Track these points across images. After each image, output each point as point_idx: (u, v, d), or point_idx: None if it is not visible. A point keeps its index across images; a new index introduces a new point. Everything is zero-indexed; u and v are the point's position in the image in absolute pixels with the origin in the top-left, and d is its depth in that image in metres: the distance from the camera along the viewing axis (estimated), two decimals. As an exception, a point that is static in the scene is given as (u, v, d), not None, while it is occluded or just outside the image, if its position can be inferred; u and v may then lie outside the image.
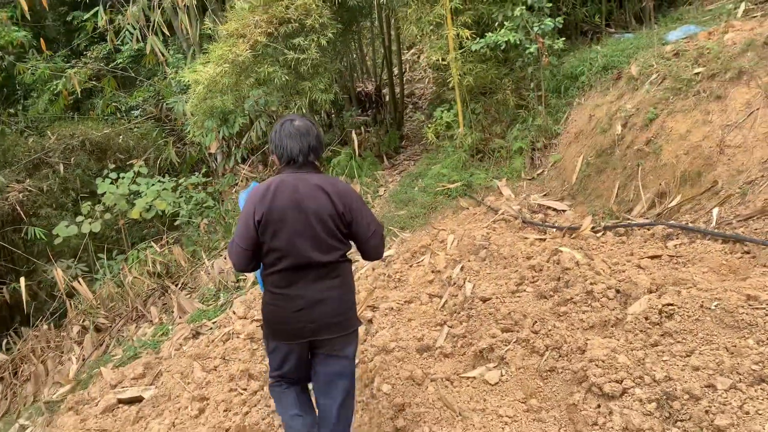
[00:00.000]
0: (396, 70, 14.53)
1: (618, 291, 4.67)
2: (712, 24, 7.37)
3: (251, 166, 13.91)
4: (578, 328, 4.52)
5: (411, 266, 6.86)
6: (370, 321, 5.74)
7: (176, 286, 10.00)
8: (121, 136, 14.95)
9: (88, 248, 11.39)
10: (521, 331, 4.71)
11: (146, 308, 9.28)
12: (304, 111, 10.11)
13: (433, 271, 6.48)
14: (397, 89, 14.14)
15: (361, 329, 5.58)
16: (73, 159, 14.37)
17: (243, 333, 6.28)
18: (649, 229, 5.65)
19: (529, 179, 8.01)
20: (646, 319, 4.25)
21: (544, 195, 7.62)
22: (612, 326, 4.39)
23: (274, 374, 3.26)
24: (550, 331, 4.60)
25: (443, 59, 7.89)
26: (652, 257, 5.11)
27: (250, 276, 8.21)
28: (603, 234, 5.98)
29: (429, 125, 8.79)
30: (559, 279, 5.16)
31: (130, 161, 12.80)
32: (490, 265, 5.98)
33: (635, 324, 4.25)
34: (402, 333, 5.31)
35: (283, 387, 3.26)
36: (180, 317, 8.26)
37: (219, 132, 11.84)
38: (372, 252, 3.14)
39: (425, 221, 7.87)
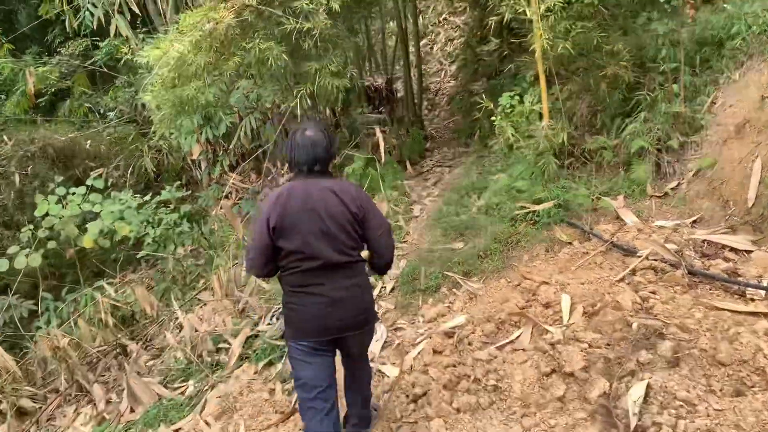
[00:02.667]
0: (414, 59, 11.29)
1: None
2: None
3: (242, 175, 10.48)
4: None
5: (503, 350, 3.69)
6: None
7: (139, 342, 6.74)
8: (89, 142, 11.58)
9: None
10: None
11: (92, 382, 6.00)
12: (307, 104, 6.84)
13: (554, 371, 3.29)
14: (415, 82, 10.92)
15: None
16: (30, 168, 10.96)
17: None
18: None
19: (659, 196, 4.84)
20: None
21: (694, 222, 4.42)
22: None
23: (309, 396, 2.95)
24: None
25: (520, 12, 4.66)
26: None
27: (236, 348, 4.96)
28: None
29: (499, 116, 5.51)
30: None
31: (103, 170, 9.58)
32: (693, 377, 2.82)
33: None
34: None
35: (316, 410, 2.95)
36: (131, 409, 5.02)
37: (201, 133, 8.51)
38: (384, 250, 2.94)
39: (503, 263, 4.72)
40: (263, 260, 2.84)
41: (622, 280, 4.05)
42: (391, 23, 14.18)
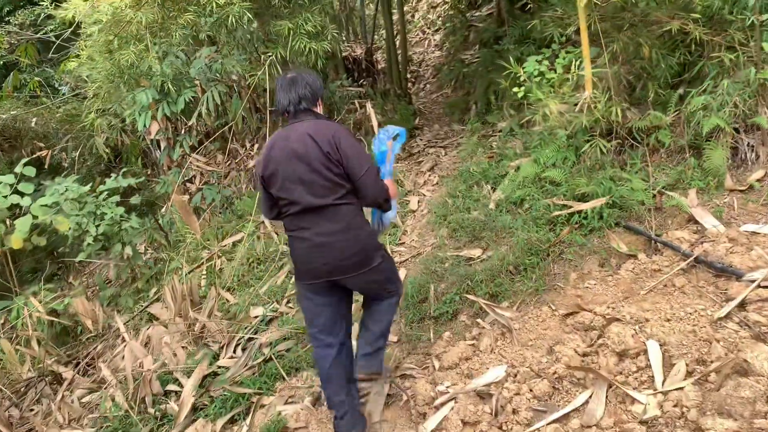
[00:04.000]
0: (397, 26, 9.83)
1: None
2: None
3: (207, 157, 9.00)
4: None
5: (568, 424, 2.42)
6: None
7: (78, 365, 5.40)
8: (35, 119, 9.98)
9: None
10: None
11: (15, 423, 4.64)
12: (278, 72, 5.47)
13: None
14: (399, 52, 9.46)
15: None
16: (-37, 151, 9.42)
17: None
18: None
19: (741, 190, 3.48)
20: None
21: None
22: None
23: (311, 331, 2.95)
24: None
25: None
26: None
27: (188, 395, 3.56)
28: None
29: (530, 85, 4.15)
30: None
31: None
32: None
33: None
34: None
35: (323, 352, 2.91)
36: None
37: (158, 109, 7.03)
38: (369, 190, 2.71)
39: (544, 282, 3.34)
40: (267, 207, 2.86)
41: (727, 317, 2.73)
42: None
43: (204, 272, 5.56)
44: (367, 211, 3.00)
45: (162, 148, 8.55)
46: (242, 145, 8.32)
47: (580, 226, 3.68)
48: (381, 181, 2.78)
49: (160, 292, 5.47)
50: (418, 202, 5.42)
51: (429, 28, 12.82)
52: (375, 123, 6.15)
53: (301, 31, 5.28)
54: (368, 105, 6.28)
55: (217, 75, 7.10)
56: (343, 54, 9.79)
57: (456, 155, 6.35)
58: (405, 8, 13.56)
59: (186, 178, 8.20)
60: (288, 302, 4.55)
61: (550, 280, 3.46)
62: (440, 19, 12.67)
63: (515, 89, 4.41)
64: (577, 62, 3.98)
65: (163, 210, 7.52)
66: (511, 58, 4.42)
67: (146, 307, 5.50)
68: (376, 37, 11.51)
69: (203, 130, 8.44)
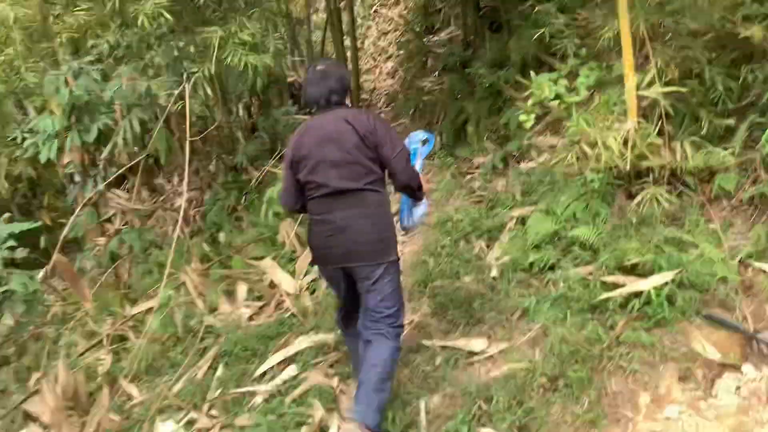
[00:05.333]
0: (348, 52, 8.60)
1: None
2: None
3: (132, 192, 7.35)
4: None
5: None
6: None
7: None
8: None
9: None
10: None
11: None
12: (206, 94, 4.13)
13: None
14: (351, 79, 8.16)
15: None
16: None
17: None
18: None
19: None
20: None
21: None
22: None
23: (343, 308, 2.87)
24: None
25: None
26: None
27: None
28: None
29: (531, 109, 2.89)
30: None
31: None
32: None
33: None
34: None
35: (344, 321, 2.85)
36: None
37: (68, 138, 5.63)
38: (401, 170, 2.60)
39: (598, 410, 1.95)
40: (292, 198, 2.74)
41: None
42: (317, 14, 11.55)
43: (103, 353, 4.08)
44: (396, 204, 2.97)
45: (76, 183, 6.92)
46: (169, 181, 6.86)
47: (641, 316, 2.43)
48: (413, 167, 2.74)
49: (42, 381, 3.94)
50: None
51: (380, 55, 11.71)
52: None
53: (236, 41, 3.95)
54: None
55: (141, 99, 5.66)
56: (289, 79, 8.54)
57: (439, 197, 5.06)
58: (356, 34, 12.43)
59: (104, 218, 6.63)
60: (211, 409, 3.14)
61: (610, 405, 2.19)
62: (392, 46, 11.63)
63: (523, 117, 3.18)
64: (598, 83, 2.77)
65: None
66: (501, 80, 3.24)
67: (23, 401, 3.95)
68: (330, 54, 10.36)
69: (124, 162, 6.94)
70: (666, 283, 2.45)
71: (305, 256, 4.11)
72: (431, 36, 9.43)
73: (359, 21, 13.28)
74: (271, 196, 4.67)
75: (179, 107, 4.80)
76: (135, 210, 6.95)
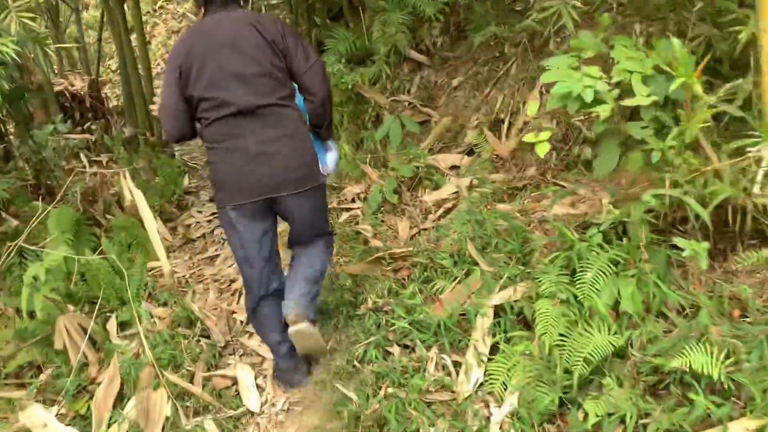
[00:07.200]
0: (137, 52, 6.64)
1: None
2: None
3: None
4: None
5: None
6: None
7: None
8: None
9: None
10: None
11: None
12: None
13: None
14: (144, 85, 6.27)
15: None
16: None
17: None
18: None
19: None
20: None
21: None
22: None
23: (250, 274, 2.35)
24: None
25: None
26: None
27: None
28: None
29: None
30: None
31: None
32: None
33: None
34: None
35: (260, 304, 2.37)
36: None
37: None
38: (317, 84, 2.22)
39: None
40: (180, 123, 2.25)
41: None
42: (86, 11, 9.37)
43: None
44: None
45: None
46: None
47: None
48: (326, 76, 2.29)
49: None
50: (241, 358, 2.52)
51: (171, 57, 9.78)
52: (135, 194, 3.10)
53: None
54: (124, 173, 3.22)
55: None
56: (57, 88, 6.45)
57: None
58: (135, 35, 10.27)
59: None
60: None
61: None
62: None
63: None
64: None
65: None
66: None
67: None
68: (102, 68, 8.25)
69: None
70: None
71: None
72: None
73: (143, 18, 11.05)
74: (40, 271, 2.79)
75: None
76: None
